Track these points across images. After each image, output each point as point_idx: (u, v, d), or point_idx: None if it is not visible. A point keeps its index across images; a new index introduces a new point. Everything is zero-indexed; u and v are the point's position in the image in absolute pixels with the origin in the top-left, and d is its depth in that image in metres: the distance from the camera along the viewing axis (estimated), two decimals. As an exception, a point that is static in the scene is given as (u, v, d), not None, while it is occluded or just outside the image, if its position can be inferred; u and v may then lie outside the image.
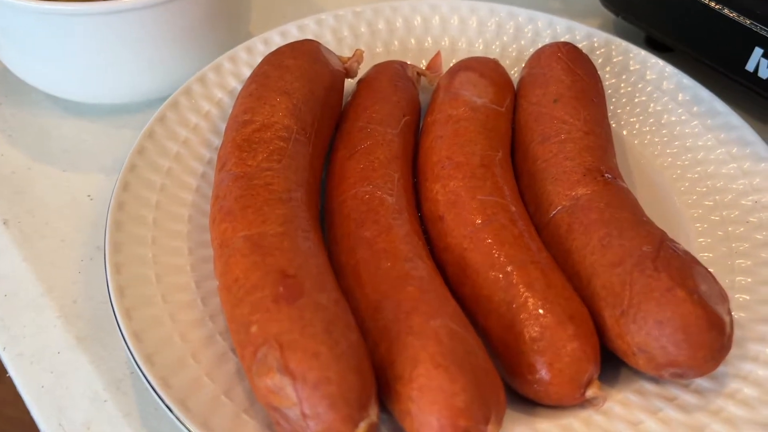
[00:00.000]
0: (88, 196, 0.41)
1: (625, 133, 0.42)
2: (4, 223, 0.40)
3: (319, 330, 0.25)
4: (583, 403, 0.29)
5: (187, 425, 0.27)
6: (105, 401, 0.32)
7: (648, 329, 0.28)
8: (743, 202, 0.36)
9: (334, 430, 0.24)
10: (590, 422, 0.28)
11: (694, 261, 0.29)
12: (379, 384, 0.27)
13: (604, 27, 0.54)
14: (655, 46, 0.51)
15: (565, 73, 0.38)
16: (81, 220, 0.40)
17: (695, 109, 0.41)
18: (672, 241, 0.30)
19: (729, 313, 0.28)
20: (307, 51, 0.38)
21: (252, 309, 0.26)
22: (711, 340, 0.27)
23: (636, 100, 0.42)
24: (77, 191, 0.41)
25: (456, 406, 0.25)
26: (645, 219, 0.32)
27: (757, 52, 0.42)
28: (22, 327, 0.35)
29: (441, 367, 0.25)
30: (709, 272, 0.29)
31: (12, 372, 0.34)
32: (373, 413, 0.25)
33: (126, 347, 0.29)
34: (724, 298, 0.28)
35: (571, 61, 0.39)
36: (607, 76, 0.43)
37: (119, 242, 0.33)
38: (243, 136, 0.34)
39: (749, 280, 0.33)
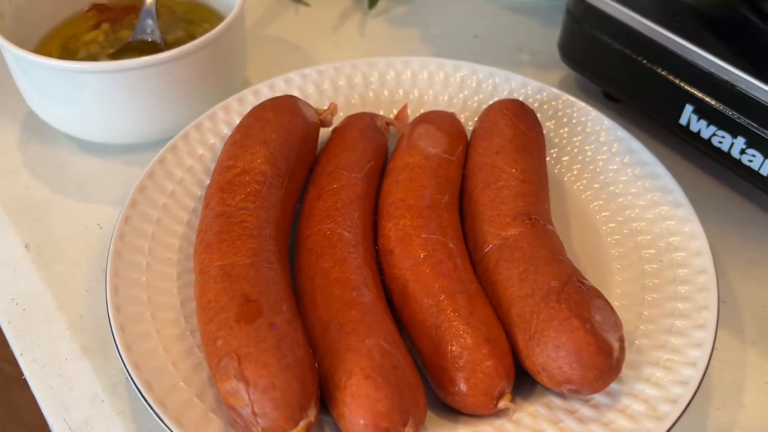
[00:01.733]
0: (98, 224, 0.47)
1: (566, 179, 0.47)
2: (26, 247, 0.46)
3: (270, 345, 0.31)
4: (498, 413, 0.34)
5: (165, 422, 0.33)
6: (102, 401, 0.38)
7: (548, 352, 0.33)
8: (659, 243, 0.42)
9: (278, 427, 0.30)
10: (502, 429, 0.34)
11: (597, 294, 0.35)
12: (324, 391, 0.33)
13: (566, 79, 0.59)
14: (610, 97, 0.57)
15: (509, 127, 0.44)
16: (91, 246, 0.46)
17: (627, 159, 0.46)
18: (581, 277, 0.36)
19: (620, 339, 0.34)
20: (286, 105, 0.44)
21: (219, 327, 0.32)
22: (600, 363, 0.32)
23: (576, 150, 0.48)
24: (89, 221, 0.48)
25: (378, 411, 0.30)
26: (561, 257, 0.37)
27: (688, 108, 0.48)
28: (37, 337, 0.42)
29: (369, 378, 0.31)
30: (608, 304, 0.35)
31: (27, 374, 0.41)
32: (312, 414, 0.31)
33: (119, 356, 0.35)
34: (617, 327, 0.34)
35: (515, 116, 0.45)
36: (553, 127, 0.49)
37: (118, 268, 0.39)
38: (226, 179, 0.40)
39: (654, 311, 0.38)
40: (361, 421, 0.30)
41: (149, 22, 0.54)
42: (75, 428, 0.38)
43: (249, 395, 0.30)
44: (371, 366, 0.32)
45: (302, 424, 0.30)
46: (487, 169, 0.43)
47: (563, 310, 0.33)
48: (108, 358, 0.40)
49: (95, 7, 0.57)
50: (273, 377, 0.30)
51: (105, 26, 0.55)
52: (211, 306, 0.34)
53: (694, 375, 0.34)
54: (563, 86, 0.58)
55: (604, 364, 0.32)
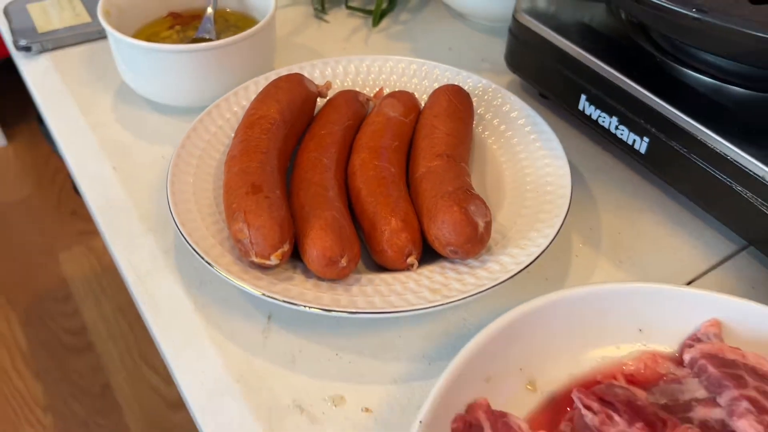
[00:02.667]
0: (162, 157, 0.68)
1: (488, 141, 0.66)
2: (114, 168, 0.68)
3: (264, 206, 0.51)
4: (407, 267, 0.53)
5: (198, 251, 0.53)
6: (157, 258, 0.59)
7: (438, 225, 0.52)
8: (540, 181, 0.60)
9: (265, 252, 0.50)
10: (408, 275, 0.52)
11: (477, 197, 0.54)
12: (298, 243, 0.52)
13: (513, 81, 0.78)
14: (543, 95, 0.76)
15: (446, 101, 0.64)
16: (157, 170, 0.67)
17: (529, 128, 0.65)
18: (470, 188, 0.55)
19: (487, 223, 0.52)
20: (294, 79, 0.65)
21: (235, 197, 0.52)
22: (468, 233, 0.51)
23: (497, 121, 0.67)
24: (156, 155, 0.69)
25: (326, 246, 0.50)
26: (462, 180, 0.56)
27: (583, 97, 0.66)
28: (119, 227, 0.62)
29: (323, 229, 0.51)
30: (484, 203, 0.53)
31: (111, 248, 0.61)
32: (286, 248, 0.50)
33: (175, 226, 0.56)
34: (486, 215, 0.52)
35: (452, 94, 0.64)
36: (483, 105, 0.68)
37: (175, 180, 0.59)
38: (249, 121, 0.60)
39: (526, 218, 0.57)
40: (315, 252, 0.50)
41: (208, 26, 0.76)
42: (139, 274, 0.58)
43: (248, 232, 0.50)
44: (326, 224, 0.51)
45: (279, 251, 0.50)
46: (427, 127, 0.62)
47: (450, 202, 0.52)
48: (165, 235, 0.61)
49: (171, 14, 0.79)
50: (263, 222, 0.50)
51: (177, 27, 0.77)
52: (231, 188, 0.54)
53: (537, 251, 0.53)
54: (510, 87, 0.77)
55: (471, 234, 0.51)
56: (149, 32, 0.76)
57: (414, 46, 0.85)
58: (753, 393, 0.42)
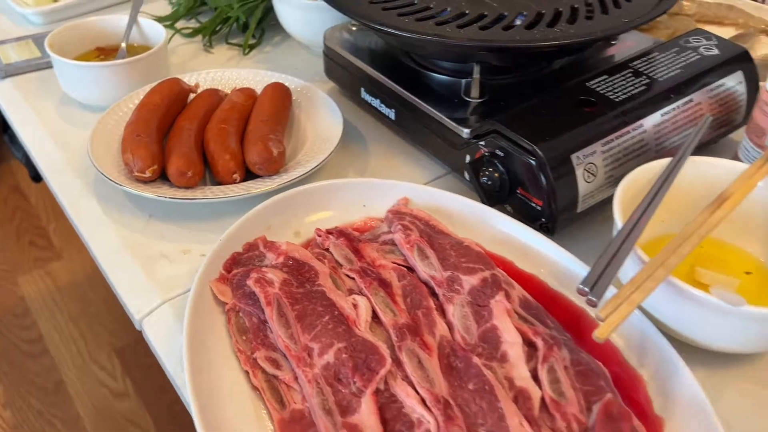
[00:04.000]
0: (88, 136, 1.03)
1: (302, 116, 1.03)
2: (56, 144, 1.02)
3: (143, 144, 0.86)
4: (233, 181, 0.88)
5: (105, 174, 0.87)
6: (82, 191, 0.92)
7: (250, 152, 0.87)
8: (325, 136, 0.96)
9: (142, 169, 0.84)
10: (234, 186, 0.87)
11: (276, 138, 0.89)
12: (165, 167, 0.87)
13: (334, 88, 1.16)
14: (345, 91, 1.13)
15: (271, 91, 1.00)
16: (86, 144, 1.02)
17: (326, 112, 1.02)
18: (279, 137, 0.91)
19: (279, 152, 0.87)
20: (173, 80, 1.01)
21: (127, 142, 0.87)
22: (267, 156, 0.86)
23: (309, 105, 1.03)
24: (85, 135, 1.03)
25: (179, 165, 0.84)
26: (274, 130, 0.92)
27: (363, 90, 1.03)
28: (63, 181, 0.96)
29: (177, 156, 0.85)
30: (280, 141, 0.89)
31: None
32: (156, 167, 0.85)
33: (93, 166, 0.90)
34: (279, 148, 0.88)
35: (276, 89, 1.01)
36: (301, 96, 1.05)
37: (94, 141, 0.94)
38: (142, 103, 0.95)
39: (311, 155, 0.93)
40: (172, 169, 0.85)
41: (123, 54, 1.12)
42: (71, 200, 0.91)
43: (132, 157, 0.85)
44: (180, 153, 0.86)
45: (151, 168, 0.85)
46: (258, 105, 0.98)
47: (257, 139, 0.88)
48: (87, 179, 0.95)
49: (97, 48, 1.15)
50: (141, 152, 0.85)
51: (101, 57, 1.13)
52: (125, 138, 0.89)
53: (307, 169, 0.88)
54: (331, 90, 1.14)
55: (269, 157, 0.86)
56: (81, 60, 1.12)
57: (271, 66, 1.22)
58: (406, 222, 0.78)
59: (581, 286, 0.59)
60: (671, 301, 0.62)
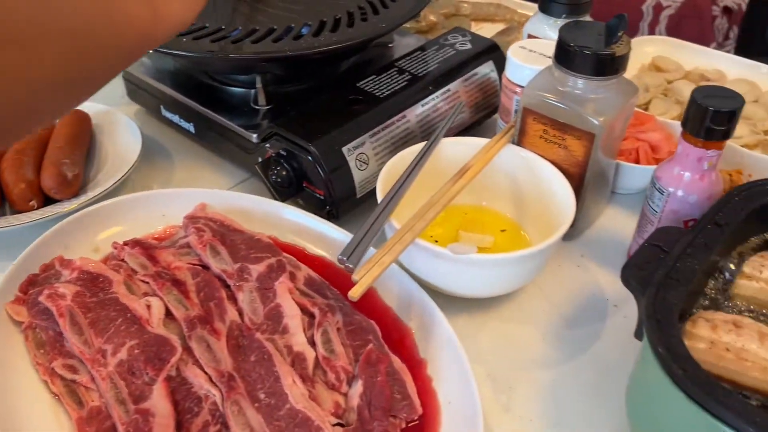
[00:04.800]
0: None
1: (103, 136, 1.06)
2: None
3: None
4: (31, 208, 0.90)
5: None
6: None
7: (45, 178, 0.90)
8: (123, 151, 1.00)
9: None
10: (33, 213, 0.89)
11: (71, 162, 0.92)
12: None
13: (140, 108, 1.19)
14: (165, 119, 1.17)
15: (68, 119, 1.02)
16: None
17: (122, 126, 1.05)
18: (72, 156, 0.93)
19: (74, 175, 0.90)
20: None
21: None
22: (60, 181, 0.89)
23: (108, 124, 1.07)
24: None
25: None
26: (72, 153, 0.95)
27: (163, 107, 1.08)
28: None
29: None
30: (76, 164, 0.92)
31: None
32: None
33: None
34: (74, 171, 0.91)
35: (71, 115, 1.03)
36: (100, 118, 1.08)
37: None
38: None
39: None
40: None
41: None
42: None
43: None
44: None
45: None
46: (54, 136, 1.00)
47: (50, 164, 0.90)
48: None
49: None
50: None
51: None
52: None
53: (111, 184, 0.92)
54: (138, 111, 1.18)
55: (63, 181, 0.89)
56: None
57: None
58: (200, 225, 0.84)
59: (341, 256, 0.68)
60: (424, 260, 0.72)
